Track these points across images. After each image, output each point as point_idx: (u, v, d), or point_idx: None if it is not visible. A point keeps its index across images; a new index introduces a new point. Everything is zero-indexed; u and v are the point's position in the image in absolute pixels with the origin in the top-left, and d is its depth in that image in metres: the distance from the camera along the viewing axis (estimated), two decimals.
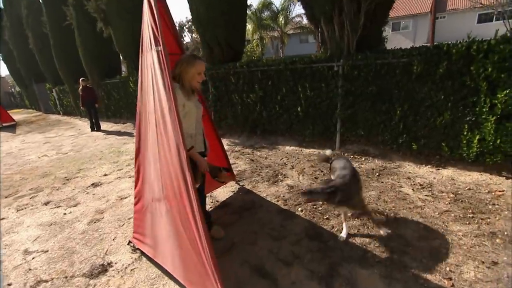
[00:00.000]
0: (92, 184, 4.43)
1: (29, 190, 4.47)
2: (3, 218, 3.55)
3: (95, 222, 3.23)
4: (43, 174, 5.20)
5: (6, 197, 4.28)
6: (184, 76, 2.05)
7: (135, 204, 2.51)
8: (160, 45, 1.83)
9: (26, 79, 16.65)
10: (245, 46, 7.32)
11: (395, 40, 21.38)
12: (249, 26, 25.78)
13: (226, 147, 5.68)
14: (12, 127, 12.46)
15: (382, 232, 2.46)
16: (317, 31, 4.92)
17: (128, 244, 2.71)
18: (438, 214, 2.74)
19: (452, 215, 2.70)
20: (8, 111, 14.89)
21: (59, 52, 10.88)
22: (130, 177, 4.49)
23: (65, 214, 3.51)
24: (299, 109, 4.90)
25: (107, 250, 2.68)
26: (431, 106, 3.56)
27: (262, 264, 2.27)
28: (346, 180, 2.26)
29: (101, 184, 4.38)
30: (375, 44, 4.41)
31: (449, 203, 2.92)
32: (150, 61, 1.94)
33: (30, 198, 4.13)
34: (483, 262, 2.05)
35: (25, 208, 3.82)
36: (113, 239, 2.86)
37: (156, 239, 2.26)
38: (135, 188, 2.49)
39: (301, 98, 4.81)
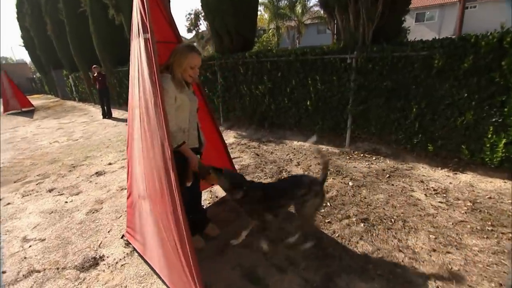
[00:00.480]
0: (96, 172, 4.44)
1: (37, 176, 4.53)
2: (8, 204, 3.61)
3: (93, 213, 3.20)
4: (52, 160, 5.28)
5: (15, 182, 4.36)
6: (175, 68, 1.89)
7: (127, 198, 2.44)
8: (148, 32, 1.68)
9: (45, 65, 17.09)
10: (256, 35, 7.05)
11: (418, 31, 20.15)
12: (265, 15, 25.21)
13: (232, 140, 5.58)
14: (31, 112, 12.87)
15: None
16: (331, 20, 4.61)
17: (121, 238, 2.66)
18: (452, 224, 2.50)
19: (468, 226, 2.45)
20: (29, 96, 15.44)
21: (74, 39, 11.01)
22: None
23: (66, 202, 3.52)
24: (308, 103, 4.67)
25: (101, 243, 2.64)
26: (451, 104, 3.25)
27: (254, 269, 2.14)
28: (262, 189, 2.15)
29: (104, 173, 4.37)
30: (393, 35, 4.07)
31: (466, 212, 2.66)
32: (137, 50, 1.80)
33: (37, 184, 4.18)
34: (500, 285, 1.83)
35: (30, 194, 3.86)
36: (108, 231, 2.81)
37: (144, 236, 2.18)
38: (127, 181, 2.41)
39: (311, 92, 4.57)
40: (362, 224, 2.57)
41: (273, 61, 4.93)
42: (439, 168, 3.55)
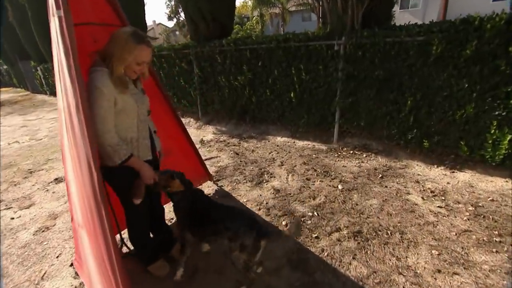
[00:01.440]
0: (56, 179, 3.90)
1: None
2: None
3: (43, 231, 2.71)
4: (7, 165, 4.66)
5: None
6: (115, 62, 1.39)
7: (71, 220, 1.98)
8: (61, 9, 1.19)
9: (10, 56, 15.74)
10: (239, 22, 6.50)
11: (403, 19, 19.74)
12: (249, 2, 24.24)
13: (211, 136, 5.11)
14: None
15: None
16: (316, 2, 4.15)
17: (70, 265, 2.21)
18: (456, 235, 2.19)
19: (474, 237, 2.15)
20: None
21: (37, 24, 9.98)
22: None
23: (12, 219, 2.99)
24: (292, 95, 4.25)
25: (45, 273, 2.18)
26: (450, 96, 2.92)
27: None
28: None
29: (64, 180, 3.83)
30: (384, 18, 3.67)
31: (468, 219, 2.37)
32: (54, 34, 1.31)
33: None
34: None
35: None
36: (57, 256, 2.34)
37: (88, 267, 1.74)
38: (68, 200, 1.94)
39: (295, 83, 4.15)
40: (354, 239, 2.22)
41: (252, 49, 4.45)
42: (435, 166, 3.26)
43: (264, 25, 23.71)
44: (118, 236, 2.12)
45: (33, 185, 3.79)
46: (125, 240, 2.17)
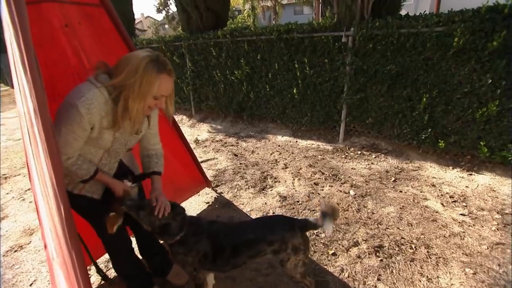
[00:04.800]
0: None
1: None
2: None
3: (15, 251, 2.34)
4: None
5: None
6: (132, 98, 1.06)
7: (44, 247, 1.63)
8: None
9: None
10: (230, 15, 6.13)
11: None
12: None
13: (206, 135, 4.77)
14: None
15: None
16: None
17: None
18: (488, 249, 1.97)
19: (508, 251, 1.93)
20: None
21: None
22: None
23: None
24: (294, 91, 3.95)
25: None
26: (470, 93, 2.69)
27: None
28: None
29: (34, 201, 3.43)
30: (393, 9, 3.39)
31: (497, 229, 2.15)
32: (4, 17, 0.95)
33: None
34: None
35: None
36: (30, 285, 2.00)
37: None
38: (39, 224, 1.59)
39: (298, 77, 3.85)
40: (376, 255, 1.97)
41: (251, 41, 4.11)
42: (450, 168, 3.04)
43: (256, 18, 23.23)
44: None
45: (7, 193, 3.38)
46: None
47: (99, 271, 1.84)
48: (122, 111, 1.09)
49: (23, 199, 3.19)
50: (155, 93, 1.08)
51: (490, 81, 2.52)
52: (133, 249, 1.64)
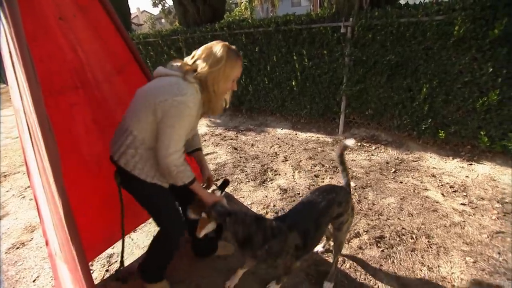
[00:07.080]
0: None
1: None
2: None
3: (17, 248, 2.35)
4: None
5: None
6: (220, 82, 1.25)
7: (46, 244, 1.63)
8: None
9: None
10: (226, 3, 6.05)
11: None
12: None
13: (205, 129, 4.75)
14: None
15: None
16: None
17: None
18: (488, 237, 1.98)
19: (508, 239, 1.94)
20: None
21: None
22: None
23: None
24: (293, 83, 3.92)
25: None
26: (471, 82, 2.67)
27: None
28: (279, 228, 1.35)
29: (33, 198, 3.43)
30: None
31: (498, 218, 2.16)
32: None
33: None
34: None
35: None
36: (34, 280, 2.01)
37: None
38: (40, 221, 1.59)
39: (297, 70, 3.81)
40: (377, 246, 1.98)
41: (248, 33, 4.06)
42: (450, 158, 3.04)
43: (253, 11, 22.96)
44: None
45: (7, 190, 3.38)
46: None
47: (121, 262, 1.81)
48: (212, 96, 1.26)
49: (23, 197, 3.19)
50: (234, 76, 1.29)
51: (491, 69, 2.50)
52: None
